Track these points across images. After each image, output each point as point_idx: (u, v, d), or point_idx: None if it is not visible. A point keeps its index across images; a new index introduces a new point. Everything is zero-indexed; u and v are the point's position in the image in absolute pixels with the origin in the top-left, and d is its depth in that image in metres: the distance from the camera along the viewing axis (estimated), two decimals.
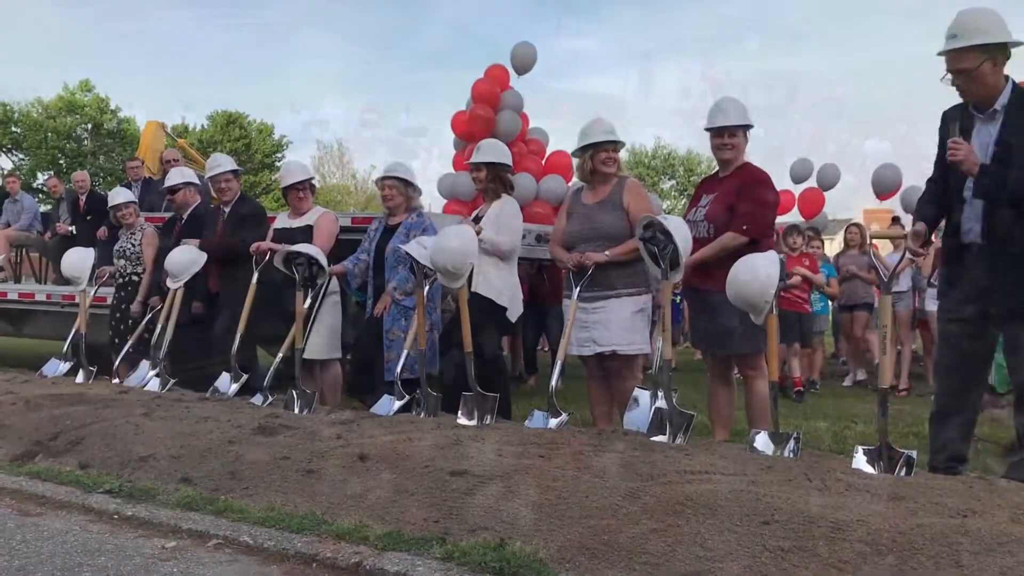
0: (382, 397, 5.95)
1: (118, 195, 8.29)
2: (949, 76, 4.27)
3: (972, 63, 4.16)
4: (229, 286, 7.06)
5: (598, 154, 5.47)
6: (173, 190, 7.81)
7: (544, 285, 9.72)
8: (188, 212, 7.75)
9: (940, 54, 4.27)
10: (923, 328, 10.14)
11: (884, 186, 12.24)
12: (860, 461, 4.18)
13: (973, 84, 4.21)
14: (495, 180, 6.09)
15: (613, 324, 5.32)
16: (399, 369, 5.94)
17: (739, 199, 5.08)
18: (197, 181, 8.03)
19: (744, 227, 5.01)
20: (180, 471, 4.46)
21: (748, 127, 5.28)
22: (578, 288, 5.35)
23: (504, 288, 5.93)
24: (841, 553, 2.92)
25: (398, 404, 5.80)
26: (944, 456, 4.50)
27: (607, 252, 5.28)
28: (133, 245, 8.01)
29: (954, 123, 4.26)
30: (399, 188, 6.47)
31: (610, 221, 5.37)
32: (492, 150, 6.19)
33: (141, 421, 5.19)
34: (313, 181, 7.18)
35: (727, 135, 5.21)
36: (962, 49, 4.17)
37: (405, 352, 5.97)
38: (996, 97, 4.25)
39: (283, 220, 7.05)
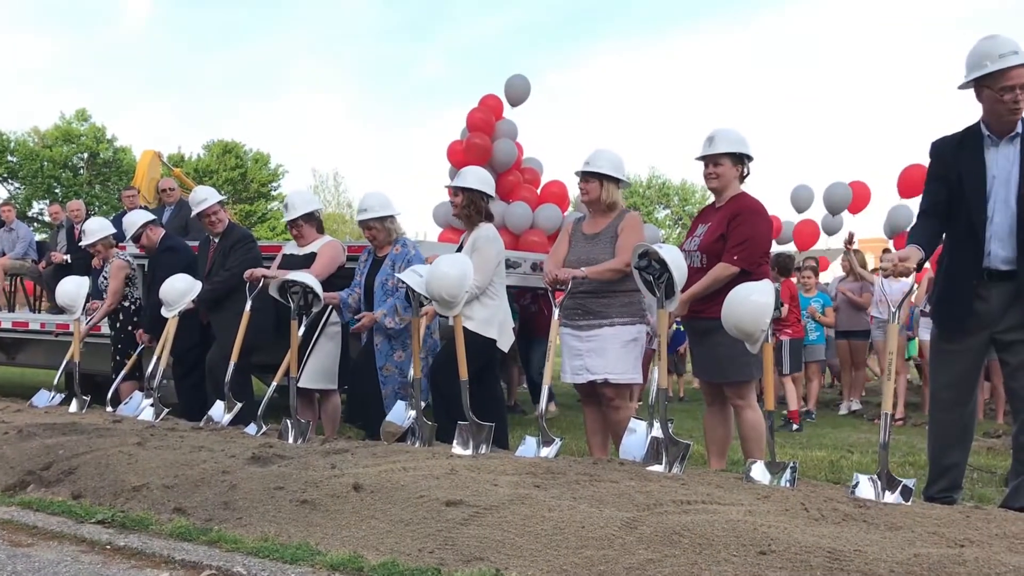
0: (396, 404, 5.96)
1: (85, 234, 8.19)
2: (1011, 90, 4.16)
3: None
4: (218, 316, 7.06)
5: (579, 183, 5.59)
6: (136, 237, 7.69)
7: (539, 315, 9.72)
8: (157, 249, 7.66)
9: (1004, 70, 4.14)
10: (921, 356, 10.19)
11: (836, 205, 12.53)
12: (859, 489, 4.17)
13: None
14: (470, 206, 6.04)
15: (607, 353, 5.34)
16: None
17: (731, 229, 5.08)
18: (153, 217, 7.93)
19: (735, 257, 5.01)
20: (173, 501, 4.43)
21: (742, 156, 5.23)
22: (558, 309, 5.40)
23: (490, 318, 5.88)
24: None
25: (412, 413, 5.76)
26: (940, 486, 4.50)
27: (583, 269, 5.30)
28: (105, 278, 8.02)
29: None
30: (377, 227, 6.44)
31: (603, 254, 5.41)
32: (472, 176, 6.13)
33: (134, 451, 5.16)
34: (313, 213, 7.00)
35: (711, 164, 5.23)
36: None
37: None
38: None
39: (291, 247, 7.05)
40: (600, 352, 5.36)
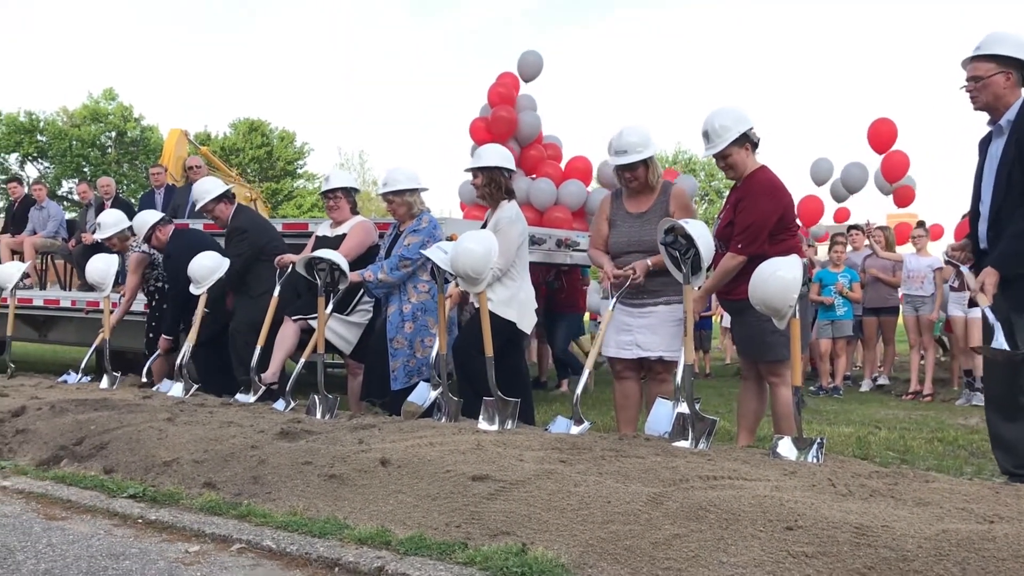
0: (418, 386, 5.98)
1: (100, 228, 8.24)
2: (965, 84, 4.55)
3: (985, 72, 4.46)
4: (236, 298, 7.25)
5: (621, 173, 5.47)
6: (147, 238, 7.71)
7: (563, 291, 9.71)
8: (166, 250, 7.68)
9: (965, 61, 4.55)
10: (948, 330, 10.11)
11: (854, 184, 12.51)
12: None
13: (983, 92, 4.50)
14: (490, 184, 5.99)
15: (660, 330, 5.33)
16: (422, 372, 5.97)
17: (736, 215, 5.03)
18: (161, 216, 7.92)
19: (739, 246, 4.96)
20: (203, 476, 4.49)
21: (744, 133, 5.04)
22: (615, 298, 5.32)
23: (510, 299, 5.83)
24: (866, 559, 2.90)
25: (434, 393, 5.80)
26: (1012, 463, 4.55)
27: (649, 260, 5.24)
28: (124, 268, 8.09)
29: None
30: (397, 201, 6.45)
31: (655, 233, 5.18)
32: (490, 154, 6.07)
33: (164, 426, 5.22)
34: (350, 188, 7.08)
35: (720, 160, 5.13)
36: (979, 57, 4.48)
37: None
38: (1004, 112, 4.47)
39: (324, 228, 7.09)
40: (653, 329, 5.34)
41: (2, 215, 16.71)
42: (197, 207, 7.41)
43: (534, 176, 10.57)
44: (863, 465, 4.40)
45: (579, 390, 5.39)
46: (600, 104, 76.66)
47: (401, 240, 6.34)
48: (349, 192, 7.01)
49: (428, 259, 5.66)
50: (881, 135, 12.47)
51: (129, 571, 3.42)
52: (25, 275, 9.34)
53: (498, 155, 6.05)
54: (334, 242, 6.72)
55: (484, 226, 6.08)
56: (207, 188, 7.41)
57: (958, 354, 9.85)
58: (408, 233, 6.33)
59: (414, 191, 6.48)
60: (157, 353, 7.72)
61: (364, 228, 6.86)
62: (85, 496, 4.43)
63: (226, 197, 7.36)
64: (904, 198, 12.61)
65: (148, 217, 7.81)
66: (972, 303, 4.78)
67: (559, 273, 9.61)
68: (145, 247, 7.94)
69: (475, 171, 6.04)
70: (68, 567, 3.46)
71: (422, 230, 6.32)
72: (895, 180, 12.36)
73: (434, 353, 5.87)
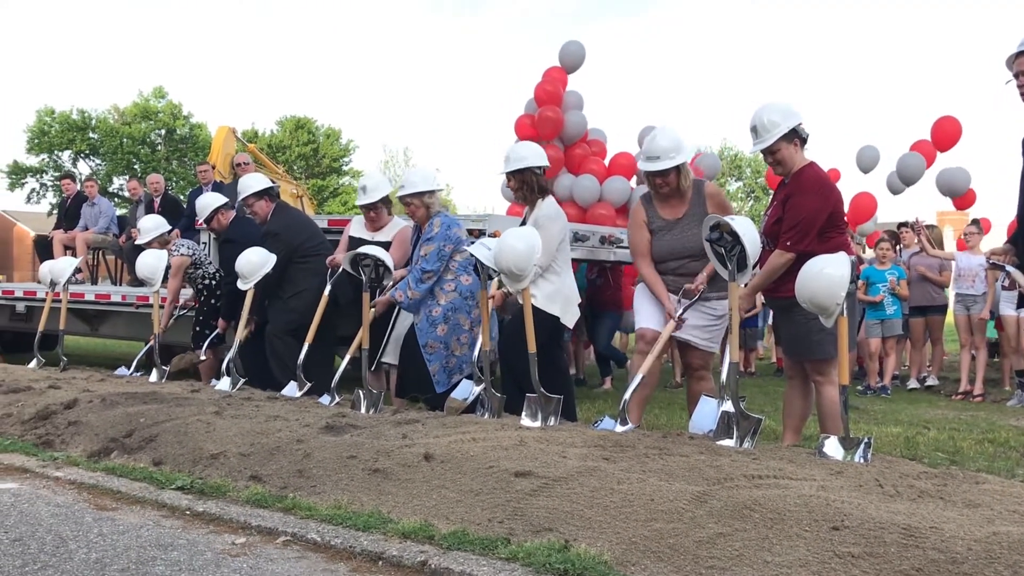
0: (460, 383, 6.01)
1: (140, 233, 8.42)
2: (1015, 80, 4.43)
3: None
4: (270, 301, 7.34)
5: (652, 178, 5.43)
6: (208, 220, 7.85)
7: (606, 289, 9.66)
8: (222, 236, 7.85)
9: (1010, 58, 4.43)
10: (999, 328, 9.91)
11: (910, 176, 12.20)
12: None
13: None
14: (523, 187, 5.95)
15: (698, 320, 5.32)
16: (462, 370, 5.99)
17: (785, 212, 4.97)
18: (225, 200, 7.99)
19: (788, 243, 4.90)
20: (250, 469, 4.55)
21: (793, 128, 4.97)
22: (682, 311, 5.27)
23: (554, 294, 5.82)
24: (914, 560, 2.86)
25: (477, 389, 5.82)
26: None
27: (706, 271, 5.23)
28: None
29: None
30: (416, 203, 6.44)
31: (697, 237, 5.16)
32: (517, 156, 5.99)
33: (212, 419, 5.30)
34: (387, 196, 7.11)
35: (768, 155, 5.06)
36: None
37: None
38: None
39: (359, 229, 7.11)
40: (691, 316, 5.32)
41: (55, 211, 17.05)
42: (237, 201, 7.49)
43: (577, 174, 10.55)
44: (911, 465, 4.33)
45: (627, 395, 5.33)
46: (645, 99, 76.26)
47: (417, 251, 6.36)
48: (386, 199, 7.06)
49: (472, 256, 5.68)
50: (945, 133, 12.15)
51: (177, 562, 3.48)
52: (77, 270, 9.50)
53: (526, 157, 5.98)
54: (372, 246, 6.75)
55: (523, 224, 6.07)
56: (248, 183, 7.51)
57: (1010, 354, 9.66)
58: (423, 242, 6.32)
59: (432, 192, 6.48)
60: (216, 331, 7.86)
61: (408, 237, 6.89)
62: (134, 487, 4.52)
63: (267, 194, 7.42)
64: (965, 200, 12.31)
65: (212, 200, 7.96)
66: (1022, 302, 4.65)
67: (602, 270, 9.57)
68: (184, 249, 8.08)
69: (508, 175, 6.04)
70: (118, 556, 3.53)
71: (436, 236, 6.29)
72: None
73: (477, 350, 5.89)
